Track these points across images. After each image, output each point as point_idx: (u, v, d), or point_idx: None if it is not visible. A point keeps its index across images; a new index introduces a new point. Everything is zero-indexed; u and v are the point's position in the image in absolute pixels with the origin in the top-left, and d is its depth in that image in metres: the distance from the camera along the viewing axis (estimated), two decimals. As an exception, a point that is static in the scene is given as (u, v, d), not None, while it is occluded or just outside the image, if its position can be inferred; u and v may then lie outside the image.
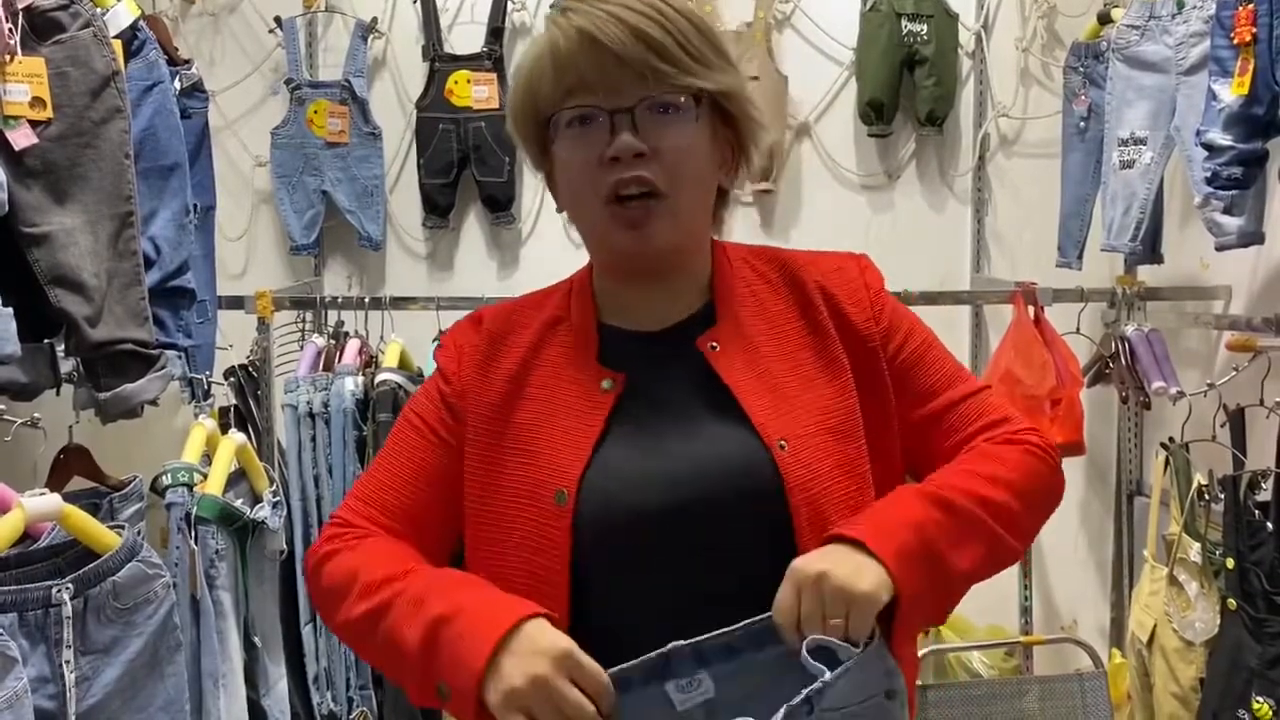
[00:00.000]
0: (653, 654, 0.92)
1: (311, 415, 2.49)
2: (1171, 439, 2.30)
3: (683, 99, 1.01)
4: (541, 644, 0.90)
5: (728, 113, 1.06)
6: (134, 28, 2.04)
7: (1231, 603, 1.97)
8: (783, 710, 0.88)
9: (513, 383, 1.09)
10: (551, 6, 0.92)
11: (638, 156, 0.99)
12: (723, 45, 1.05)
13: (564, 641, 0.91)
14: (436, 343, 2.60)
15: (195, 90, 2.46)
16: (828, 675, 0.89)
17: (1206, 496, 2.12)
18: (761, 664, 0.92)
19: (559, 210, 1.13)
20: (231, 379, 2.65)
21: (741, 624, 0.93)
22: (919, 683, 1.88)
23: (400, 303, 2.71)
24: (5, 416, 1.95)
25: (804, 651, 0.90)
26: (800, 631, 0.91)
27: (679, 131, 1.01)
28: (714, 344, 1.07)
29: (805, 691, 0.88)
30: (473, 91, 3.04)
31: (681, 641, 0.92)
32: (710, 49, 1.03)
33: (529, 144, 1.10)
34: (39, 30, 1.78)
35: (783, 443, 1.01)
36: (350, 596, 1.02)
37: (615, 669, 0.91)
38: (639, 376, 1.07)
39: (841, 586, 0.91)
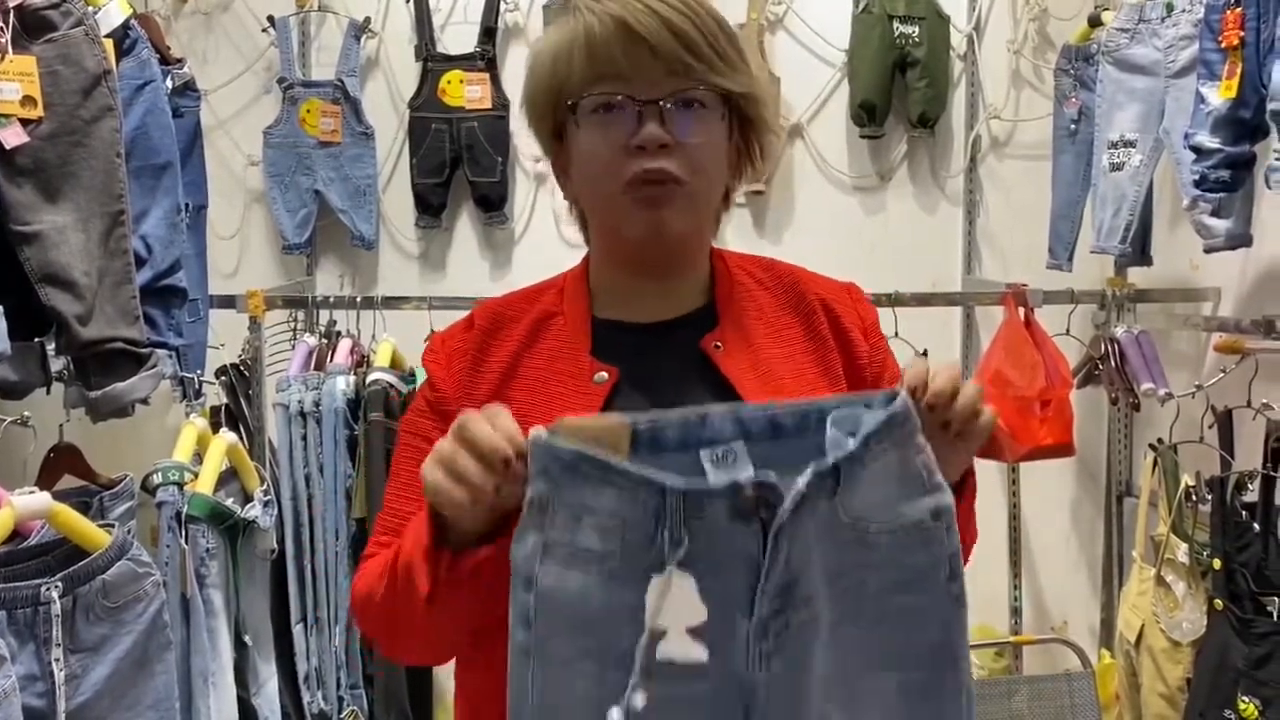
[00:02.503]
0: (691, 410, 0.86)
1: (303, 414, 2.49)
2: (1160, 440, 2.31)
3: (710, 97, 1.02)
4: None
5: (745, 116, 1.07)
6: (126, 26, 2.04)
7: (1218, 603, 1.98)
8: (810, 469, 0.81)
9: (504, 375, 1.08)
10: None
11: (662, 148, 1.00)
12: (744, 50, 1.06)
13: None
14: (428, 342, 2.61)
15: (187, 89, 2.46)
16: (857, 438, 0.83)
17: (1194, 497, 2.13)
18: (802, 449, 0.85)
19: (565, 196, 1.13)
20: (223, 378, 2.65)
21: (790, 403, 0.89)
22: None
23: (392, 302, 2.71)
24: (-4, 415, 1.94)
25: (901, 396, 0.85)
26: (916, 398, 0.88)
27: (703, 128, 1.03)
28: (718, 344, 1.07)
29: (834, 457, 0.82)
30: (465, 91, 3.04)
31: (723, 405, 0.88)
32: (735, 52, 1.04)
33: (542, 126, 1.09)
34: (30, 28, 1.78)
35: None
36: (372, 597, 1.00)
37: (649, 416, 0.85)
38: (633, 370, 1.06)
39: (981, 399, 0.92)
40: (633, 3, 1.00)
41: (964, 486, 1.00)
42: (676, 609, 0.80)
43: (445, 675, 3.22)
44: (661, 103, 1.00)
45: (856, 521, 0.85)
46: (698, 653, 0.81)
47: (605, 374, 1.05)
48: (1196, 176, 2.07)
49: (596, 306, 1.11)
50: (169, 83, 2.27)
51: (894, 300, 2.48)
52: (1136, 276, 2.76)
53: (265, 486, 2.14)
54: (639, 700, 0.79)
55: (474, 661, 1.04)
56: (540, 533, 0.81)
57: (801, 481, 0.81)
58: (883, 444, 0.85)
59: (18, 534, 1.60)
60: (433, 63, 3.07)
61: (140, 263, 1.99)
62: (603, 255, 1.12)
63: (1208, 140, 2.02)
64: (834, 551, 0.84)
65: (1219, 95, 1.99)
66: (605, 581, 0.81)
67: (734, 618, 0.82)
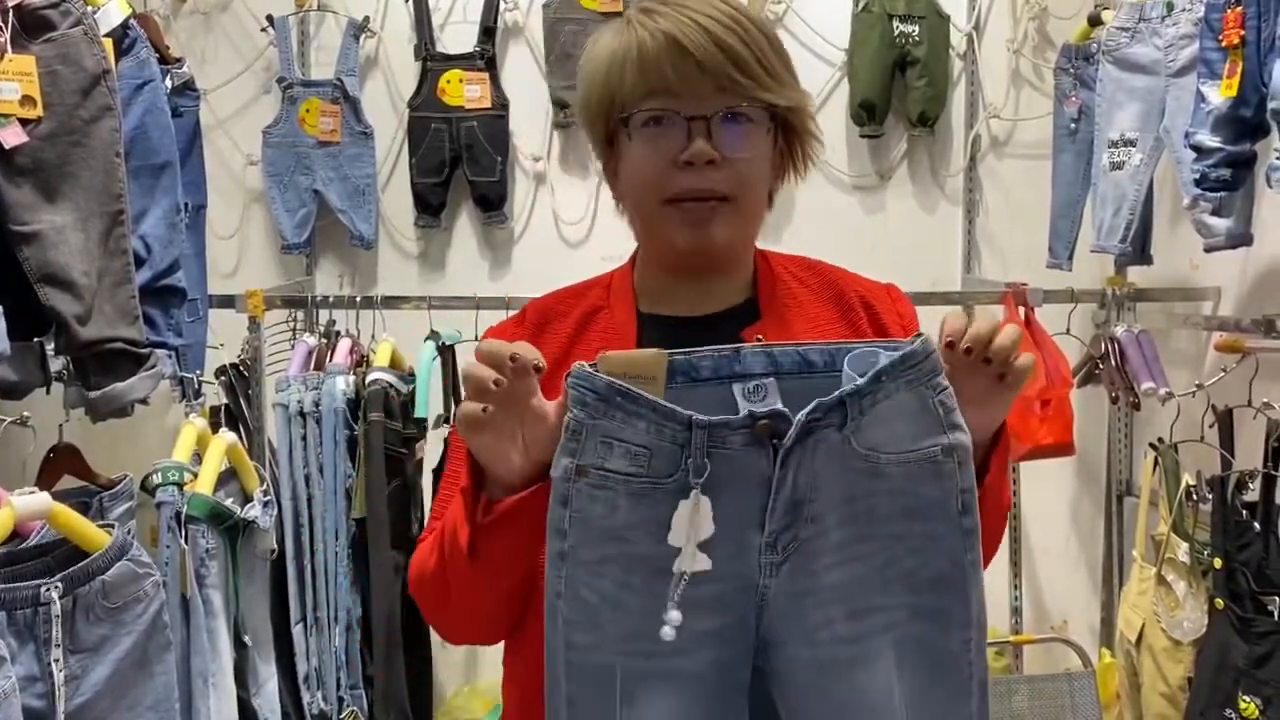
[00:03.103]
0: (725, 346, 0.93)
1: (302, 414, 2.48)
2: (1161, 439, 2.31)
3: (756, 112, 1.06)
4: None
5: (789, 126, 1.11)
6: (125, 26, 2.04)
7: (1219, 602, 1.98)
8: (814, 403, 0.88)
9: (554, 368, 1.10)
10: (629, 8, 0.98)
11: (709, 163, 1.04)
12: (790, 62, 1.10)
13: None
14: (428, 342, 2.62)
15: (186, 89, 2.46)
16: (869, 373, 0.89)
17: (1195, 497, 2.13)
18: (828, 386, 0.91)
19: (614, 196, 1.17)
20: (222, 378, 2.64)
21: (820, 343, 0.94)
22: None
23: (392, 302, 2.71)
24: (-5, 415, 1.94)
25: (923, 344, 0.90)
26: (952, 345, 0.93)
27: (750, 143, 1.06)
28: (759, 336, 1.09)
29: (841, 391, 0.89)
30: (465, 91, 3.04)
31: (756, 344, 0.94)
32: (782, 65, 1.08)
33: (595, 131, 1.13)
34: (29, 28, 1.77)
35: None
36: (426, 570, 1.06)
37: (685, 351, 0.92)
38: None
39: (1020, 341, 0.94)
40: (683, 18, 1.03)
41: (997, 444, 1.00)
42: (697, 527, 0.90)
43: (444, 676, 3.23)
44: (709, 119, 1.04)
45: (870, 453, 0.91)
46: (714, 564, 0.90)
47: None
48: (1197, 175, 2.06)
49: (642, 302, 1.15)
50: (168, 82, 2.27)
51: (894, 299, 2.47)
52: (1137, 276, 2.75)
53: (265, 487, 2.14)
54: (674, 615, 0.89)
55: (519, 645, 1.09)
56: (574, 456, 0.90)
57: (803, 414, 0.89)
58: (896, 381, 0.90)
59: (17, 534, 1.60)
60: (432, 62, 3.07)
61: (139, 262, 1.98)
62: (649, 257, 1.16)
63: (1208, 139, 2.02)
64: (847, 479, 0.91)
65: (1219, 94, 1.99)
66: (631, 501, 0.90)
67: (748, 532, 0.91)
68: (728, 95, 1.04)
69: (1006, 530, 2.86)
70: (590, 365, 0.90)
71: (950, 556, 0.92)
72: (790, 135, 1.12)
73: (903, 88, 3.07)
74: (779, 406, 0.90)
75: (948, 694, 0.93)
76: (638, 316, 1.14)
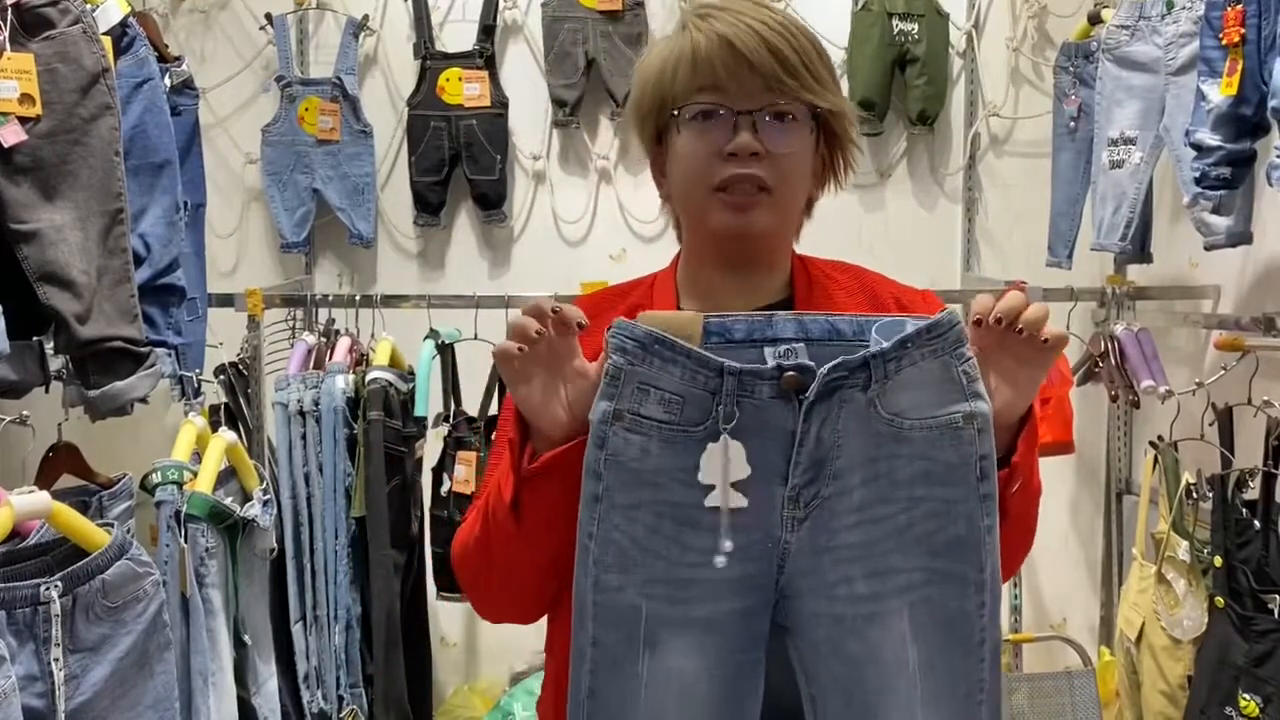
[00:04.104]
0: (759, 312, 0.98)
1: (302, 413, 2.48)
2: (1160, 438, 2.31)
3: (800, 111, 1.11)
4: None
5: (831, 131, 1.16)
6: (124, 24, 2.04)
7: (1219, 600, 1.98)
8: (839, 359, 0.93)
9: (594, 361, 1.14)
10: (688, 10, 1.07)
11: (753, 155, 1.09)
12: (835, 71, 1.16)
13: None
14: (427, 340, 2.62)
15: (185, 87, 2.45)
16: (896, 337, 0.93)
17: (1195, 495, 2.13)
18: (853, 353, 0.95)
19: (660, 194, 1.22)
20: (221, 377, 2.64)
21: (849, 314, 0.99)
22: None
23: (391, 301, 2.71)
24: (-6, 414, 1.94)
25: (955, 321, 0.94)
26: (979, 322, 0.97)
27: (792, 139, 1.12)
28: None
29: (864, 353, 0.93)
30: (464, 89, 3.04)
31: (788, 312, 0.99)
32: (827, 72, 1.14)
33: (645, 129, 1.18)
34: (28, 26, 1.77)
35: None
36: (469, 539, 1.11)
37: (719, 314, 0.97)
38: None
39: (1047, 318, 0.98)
40: (738, 22, 1.10)
41: (1026, 424, 1.02)
42: (729, 470, 0.94)
43: (444, 675, 3.23)
44: (755, 114, 1.10)
45: (894, 418, 0.95)
46: (742, 504, 0.95)
47: None
48: (1197, 174, 2.06)
49: (682, 299, 1.20)
50: (167, 81, 2.27)
51: (894, 298, 2.47)
52: (1136, 274, 2.75)
53: (264, 485, 2.14)
54: (727, 544, 0.94)
55: (559, 616, 1.12)
56: (612, 401, 0.95)
57: (826, 367, 0.93)
58: (921, 350, 0.94)
59: (17, 534, 1.60)
60: (431, 60, 3.06)
61: (139, 261, 1.98)
62: (691, 251, 1.21)
63: (1208, 137, 2.02)
64: (870, 441, 0.95)
65: (1220, 92, 1.98)
66: (664, 446, 0.95)
67: (772, 484, 0.95)
68: (774, 94, 1.10)
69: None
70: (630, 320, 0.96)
71: (968, 521, 0.96)
72: (831, 141, 1.17)
73: (902, 86, 3.06)
74: (805, 361, 0.94)
75: (961, 656, 0.97)
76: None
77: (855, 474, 0.95)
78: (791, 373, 0.94)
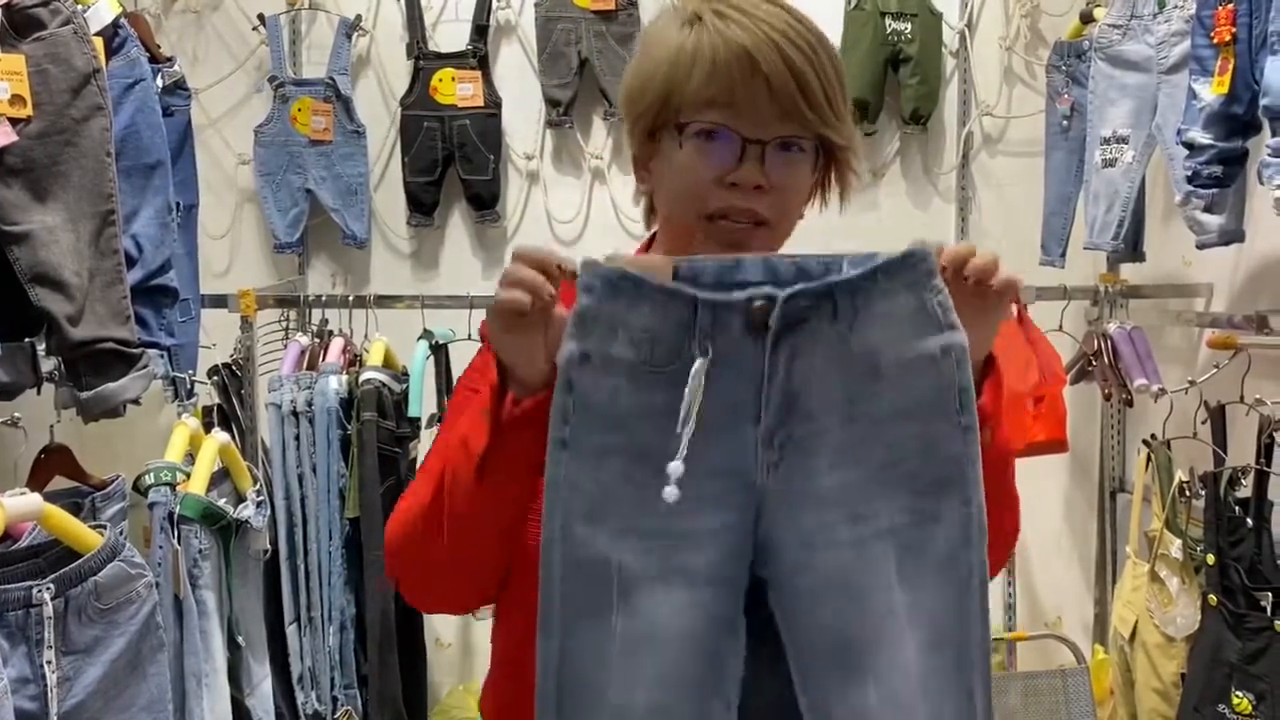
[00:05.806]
0: (727, 256, 0.94)
1: (295, 414, 2.48)
2: (1153, 436, 2.32)
3: (810, 144, 1.05)
4: None
5: (834, 159, 1.10)
6: (115, 25, 2.03)
7: (1212, 598, 1.98)
8: (798, 285, 0.89)
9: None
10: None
11: (756, 188, 1.03)
12: (849, 96, 1.09)
13: None
14: (421, 341, 2.62)
15: (178, 88, 2.45)
16: (852, 269, 0.90)
17: (1188, 493, 2.14)
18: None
19: (640, 186, 1.15)
20: (215, 378, 2.64)
21: (818, 253, 0.94)
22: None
23: (385, 301, 2.70)
24: (-14, 416, 1.93)
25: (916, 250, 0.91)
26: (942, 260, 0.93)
27: (796, 172, 1.06)
28: None
29: (827, 279, 0.90)
30: (457, 89, 3.03)
31: (757, 255, 0.95)
32: (843, 100, 1.07)
33: (639, 121, 1.10)
34: (19, 27, 1.77)
35: None
36: (414, 512, 1.04)
37: (689, 258, 0.93)
38: None
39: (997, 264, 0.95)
40: (760, 31, 1.01)
41: (990, 375, 0.99)
42: (701, 407, 0.89)
43: (439, 675, 3.22)
44: (765, 144, 1.02)
45: (868, 354, 0.91)
46: (713, 458, 0.90)
47: None
48: (1189, 172, 2.07)
49: None
50: (159, 81, 2.26)
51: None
52: (1129, 272, 2.76)
53: (258, 486, 2.14)
54: (678, 469, 0.88)
55: (509, 605, 1.08)
56: (580, 342, 0.90)
57: (785, 292, 0.89)
58: (893, 282, 0.91)
59: (9, 536, 1.60)
60: (424, 60, 3.06)
61: (131, 262, 1.97)
62: (667, 247, 1.13)
63: (1200, 136, 2.02)
64: (844, 379, 0.91)
65: (1211, 91, 1.99)
66: (634, 387, 0.90)
67: (744, 424, 0.91)
68: (789, 124, 1.03)
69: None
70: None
71: (949, 454, 0.92)
72: (829, 168, 1.11)
73: (895, 85, 3.07)
74: (774, 291, 0.90)
75: (955, 598, 0.92)
76: None
77: (831, 414, 0.91)
78: (761, 301, 0.89)
